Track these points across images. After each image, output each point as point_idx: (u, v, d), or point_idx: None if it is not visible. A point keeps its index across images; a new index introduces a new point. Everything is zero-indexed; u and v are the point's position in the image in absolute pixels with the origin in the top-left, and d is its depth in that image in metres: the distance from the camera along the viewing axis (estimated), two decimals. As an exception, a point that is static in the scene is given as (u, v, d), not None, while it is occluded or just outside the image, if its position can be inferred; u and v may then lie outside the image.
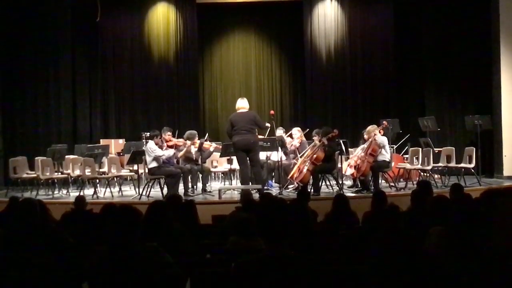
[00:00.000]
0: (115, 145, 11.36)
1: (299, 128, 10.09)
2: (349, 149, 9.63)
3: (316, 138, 9.13)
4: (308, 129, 10.13)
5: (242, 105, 8.71)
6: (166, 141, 9.13)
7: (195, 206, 5.15)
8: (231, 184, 10.13)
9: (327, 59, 12.92)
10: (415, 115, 11.81)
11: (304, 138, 9.94)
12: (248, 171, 8.65)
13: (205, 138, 9.60)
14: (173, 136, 9.53)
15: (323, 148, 8.68)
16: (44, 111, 12.05)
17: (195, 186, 9.37)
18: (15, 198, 5.57)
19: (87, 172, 9.31)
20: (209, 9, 13.18)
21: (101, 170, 9.87)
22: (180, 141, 9.35)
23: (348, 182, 9.84)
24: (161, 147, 8.86)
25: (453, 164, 9.72)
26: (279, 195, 8.39)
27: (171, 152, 8.95)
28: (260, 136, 9.01)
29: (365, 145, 8.95)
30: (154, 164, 8.69)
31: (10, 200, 5.49)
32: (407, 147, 10.82)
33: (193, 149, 9.38)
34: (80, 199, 5.83)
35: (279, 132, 9.86)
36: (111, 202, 7.44)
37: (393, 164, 9.51)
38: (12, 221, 4.30)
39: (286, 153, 9.64)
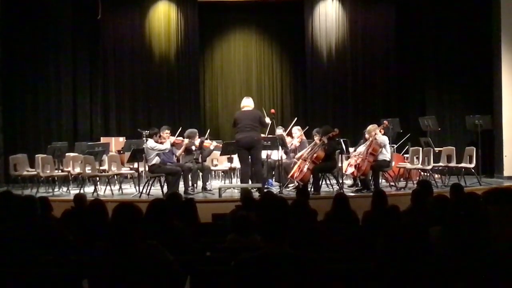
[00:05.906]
0: (116, 143, 11.35)
1: (299, 127, 10.08)
2: (350, 148, 9.62)
3: (316, 137, 9.12)
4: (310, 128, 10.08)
5: (247, 103, 8.73)
6: (164, 139, 9.11)
7: (195, 204, 5.18)
8: (231, 183, 10.14)
9: (328, 58, 12.90)
10: (416, 115, 11.81)
11: (304, 137, 9.93)
12: (248, 169, 8.65)
13: (206, 137, 9.60)
14: (173, 135, 9.52)
15: (323, 147, 8.68)
16: (45, 108, 12.06)
17: (195, 185, 9.38)
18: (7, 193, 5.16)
19: (88, 170, 9.31)
20: (210, 7, 13.16)
21: (101, 168, 9.87)
22: (179, 139, 9.35)
23: (349, 181, 9.84)
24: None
25: (453, 164, 9.72)
26: (279, 194, 8.40)
27: (168, 144, 8.92)
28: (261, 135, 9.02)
29: (366, 144, 8.95)
30: (154, 162, 8.70)
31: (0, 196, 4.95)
32: (407, 146, 10.82)
33: (193, 148, 9.38)
34: (79, 198, 5.76)
35: (279, 131, 9.86)
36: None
37: (393, 163, 9.52)
38: (6, 218, 4.25)
39: (286, 152, 9.64)
